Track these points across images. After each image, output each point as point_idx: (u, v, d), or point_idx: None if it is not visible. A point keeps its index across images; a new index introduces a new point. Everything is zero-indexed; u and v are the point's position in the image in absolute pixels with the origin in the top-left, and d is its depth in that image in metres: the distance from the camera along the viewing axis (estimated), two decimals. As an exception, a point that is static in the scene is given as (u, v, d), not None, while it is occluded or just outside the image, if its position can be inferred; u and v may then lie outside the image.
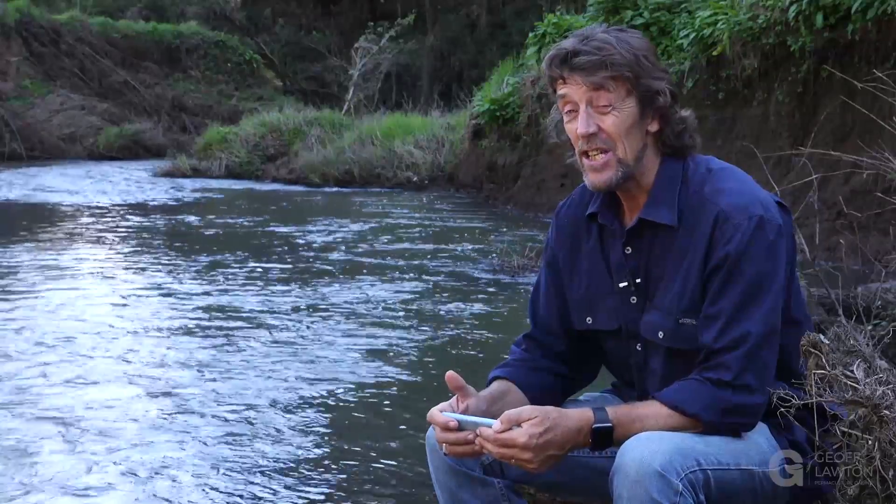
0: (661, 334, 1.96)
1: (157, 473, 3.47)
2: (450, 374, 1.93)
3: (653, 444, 1.76)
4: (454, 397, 1.96)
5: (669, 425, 1.84)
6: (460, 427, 1.85)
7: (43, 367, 4.93)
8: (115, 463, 3.56)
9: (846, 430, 1.87)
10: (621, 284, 2.02)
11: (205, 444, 3.78)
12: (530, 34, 13.81)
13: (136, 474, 3.46)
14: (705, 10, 10.33)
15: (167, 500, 3.23)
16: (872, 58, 8.05)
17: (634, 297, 2.01)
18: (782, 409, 1.87)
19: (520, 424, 1.79)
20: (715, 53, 9.88)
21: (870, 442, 1.83)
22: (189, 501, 3.22)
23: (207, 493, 3.29)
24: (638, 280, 2.00)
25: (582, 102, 1.92)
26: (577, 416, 1.84)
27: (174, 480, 3.40)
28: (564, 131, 2.01)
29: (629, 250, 2.01)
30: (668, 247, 1.95)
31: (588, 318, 2.09)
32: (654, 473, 1.71)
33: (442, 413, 1.89)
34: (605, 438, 1.84)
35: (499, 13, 32.35)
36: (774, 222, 1.89)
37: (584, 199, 2.12)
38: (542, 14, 14.91)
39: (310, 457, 3.68)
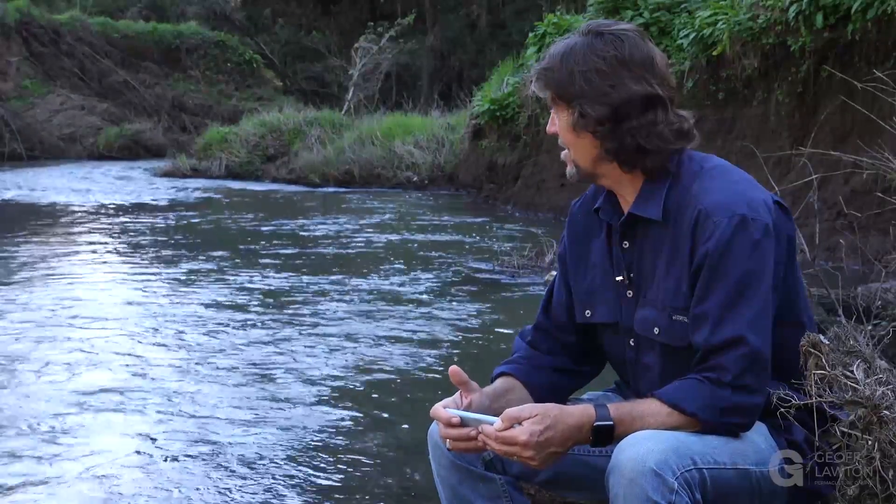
0: (656, 330, 1.97)
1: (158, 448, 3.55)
2: (453, 368, 1.96)
3: (648, 442, 1.76)
4: (458, 393, 1.98)
5: (668, 424, 1.84)
6: (463, 423, 1.87)
7: (85, 344, 5.46)
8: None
9: (846, 430, 1.87)
10: (618, 278, 2.05)
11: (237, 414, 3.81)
12: (530, 34, 13.81)
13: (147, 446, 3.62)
14: (705, 10, 10.33)
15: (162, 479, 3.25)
16: (872, 58, 8.05)
17: (630, 292, 2.03)
18: (782, 410, 1.87)
19: (521, 422, 1.80)
20: (715, 53, 9.87)
21: (869, 442, 1.83)
22: (192, 484, 3.24)
23: (220, 475, 3.31)
24: (632, 274, 2.02)
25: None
26: (578, 413, 1.84)
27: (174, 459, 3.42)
28: None
29: (626, 245, 2.03)
30: (659, 243, 1.97)
31: (587, 311, 2.10)
32: (649, 472, 1.72)
33: (445, 409, 1.91)
34: (606, 436, 1.85)
35: (499, 13, 32.35)
36: (760, 221, 1.88)
37: (596, 196, 2.15)
38: (542, 14, 14.91)
39: (309, 451, 3.68)
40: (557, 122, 2.02)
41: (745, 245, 1.86)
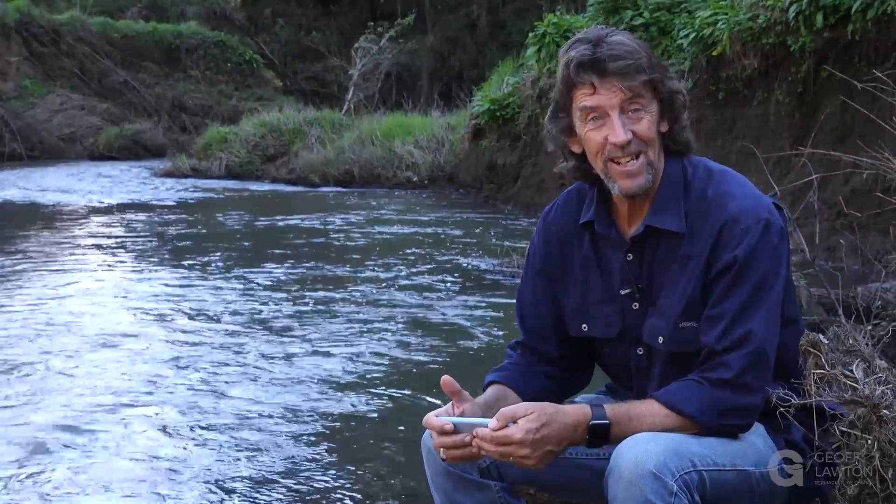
0: (660, 339, 1.96)
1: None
2: (445, 378, 1.91)
3: (647, 444, 1.75)
4: (450, 403, 1.94)
5: (666, 425, 1.84)
6: (456, 430, 1.83)
7: (124, 329, 5.88)
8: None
9: (845, 429, 1.87)
10: (623, 291, 2.01)
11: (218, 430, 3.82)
12: (530, 34, 13.80)
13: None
14: (705, 10, 10.32)
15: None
16: (872, 58, 8.05)
17: (637, 304, 2.00)
18: (781, 409, 1.87)
19: (515, 421, 1.79)
20: (715, 53, 9.87)
21: (869, 441, 1.83)
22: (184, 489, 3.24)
23: (208, 483, 3.31)
24: (640, 285, 1.99)
25: (614, 109, 1.89)
26: (574, 411, 1.84)
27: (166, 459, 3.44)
28: (561, 137, 2.00)
29: (630, 257, 2.00)
30: (673, 252, 1.95)
31: (584, 326, 2.07)
32: (648, 474, 1.71)
33: (438, 417, 1.88)
34: (602, 436, 1.84)
35: (499, 13, 32.37)
36: (778, 225, 1.90)
37: (569, 206, 2.10)
38: (542, 14, 14.91)
39: (303, 459, 3.68)
40: (642, 121, 1.91)
41: (767, 249, 1.88)
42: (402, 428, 4.03)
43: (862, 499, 1.84)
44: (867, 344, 2.16)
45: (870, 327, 2.40)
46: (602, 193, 2.02)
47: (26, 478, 3.44)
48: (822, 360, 1.91)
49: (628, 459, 1.74)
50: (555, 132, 2.01)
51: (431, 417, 1.88)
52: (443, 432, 1.84)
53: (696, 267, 1.91)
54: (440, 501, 2.06)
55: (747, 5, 9.51)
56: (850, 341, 2.12)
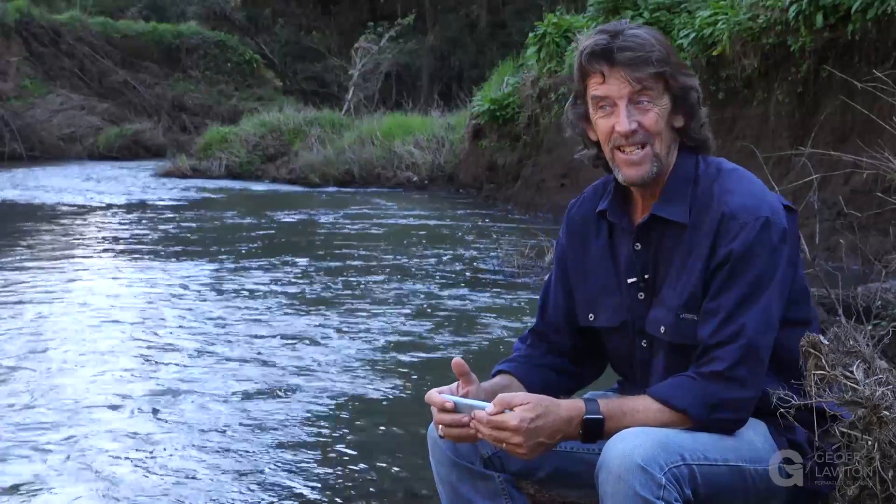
0: (662, 329, 1.97)
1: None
2: (456, 360, 1.95)
3: (636, 438, 1.76)
4: (455, 383, 1.97)
5: (659, 420, 1.85)
6: (456, 409, 1.87)
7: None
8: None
9: (846, 430, 1.87)
10: (630, 280, 2.03)
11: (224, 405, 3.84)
12: (530, 34, 13.82)
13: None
14: (705, 10, 10.33)
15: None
16: (872, 58, 8.05)
17: (642, 294, 2.02)
18: (782, 410, 1.87)
19: (512, 408, 1.80)
20: (715, 53, 9.87)
21: (869, 443, 1.83)
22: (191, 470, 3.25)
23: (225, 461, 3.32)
24: (646, 276, 2.01)
25: (623, 99, 1.93)
26: (568, 406, 1.85)
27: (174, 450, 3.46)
28: (579, 124, 2.04)
29: (638, 246, 2.02)
30: (677, 243, 1.97)
31: (590, 315, 2.10)
32: (636, 468, 1.72)
33: (440, 394, 1.91)
34: (596, 430, 1.85)
35: (499, 13, 32.35)
36: (780, 225, 1.91)
37: (595, 197, 2.13)
38: (542, 14, 14.91)
39: (310, 449, 3.69)
40: (649, 112, 1.93)
41: (765, 247, 1.89)
42: (401, 424, 4.03)
43: (862, 500, 1.84)
44: (867, 344, 2.15)
45: (870, 327, 2.39)
46: (619, 183, 2.05)
47: (77, 442, 3.78)
48: (823, 360, 1.91)
49: (616, 454, 1.75)
50: (574, 119, 2.05)
51: (433, 393, 1.92)
52: (443, 409, 1.88)
53: (697, 260, 1.93)
54: (446, 493, 2.08)
55: (747, 5, 9.51)
56: (851, 342, 2.11)
